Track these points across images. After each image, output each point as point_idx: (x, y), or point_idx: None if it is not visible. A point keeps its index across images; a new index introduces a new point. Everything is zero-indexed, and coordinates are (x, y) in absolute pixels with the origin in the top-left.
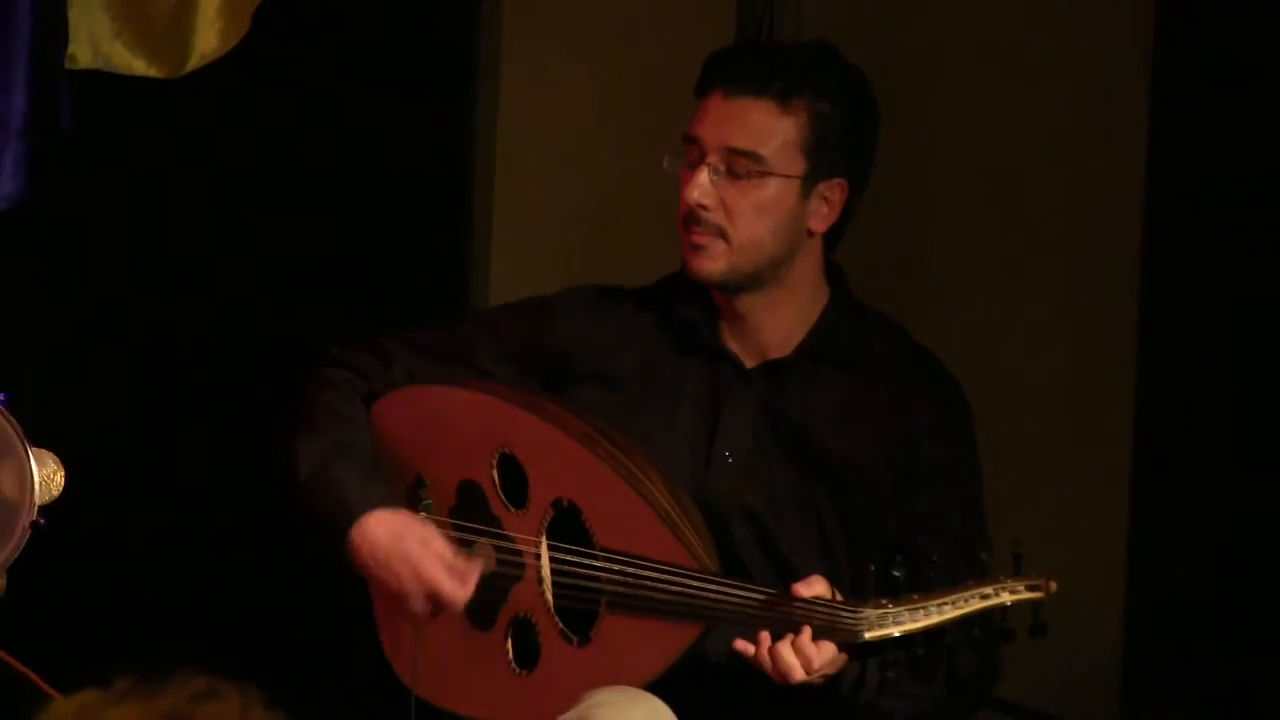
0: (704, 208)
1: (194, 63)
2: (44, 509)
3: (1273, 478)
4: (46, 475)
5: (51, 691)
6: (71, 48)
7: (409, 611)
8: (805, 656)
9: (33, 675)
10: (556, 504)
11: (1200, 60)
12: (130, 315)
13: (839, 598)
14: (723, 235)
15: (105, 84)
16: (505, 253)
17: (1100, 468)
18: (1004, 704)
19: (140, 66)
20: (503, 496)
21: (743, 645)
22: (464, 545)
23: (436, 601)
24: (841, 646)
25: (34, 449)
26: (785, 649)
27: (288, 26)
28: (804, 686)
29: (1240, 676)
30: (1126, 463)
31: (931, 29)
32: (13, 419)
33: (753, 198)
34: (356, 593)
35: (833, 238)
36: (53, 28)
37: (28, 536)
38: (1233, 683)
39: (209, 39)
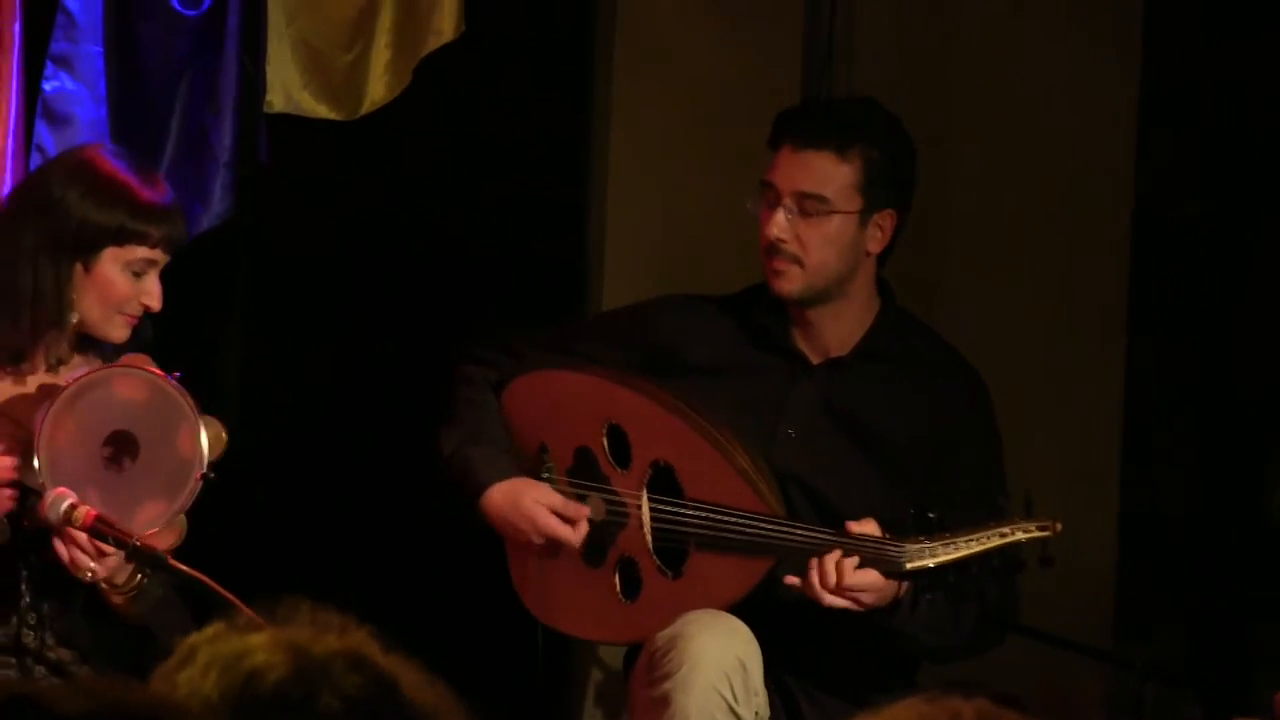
0: (782, 240)
1: (366, 108)
2: (212, 465)
3: (1239, 443)
4: (213, 436)
5: (251, 614)
6: (269, 95)
7: (535, 552)
8: (843, 573)
9: (238, 601)
10: (654, 464)
11: (1180, 102)
12: (312, 311)
13: (887, 536)
14: (798, 262)
15: (294, 125)
16: (616, 272)
17: (1097, 424)
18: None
19: (323, 111)
20: (610, 459)
21: (790, 579)
22: (579, 499)
23: (553, 543)
24: (887, 575)
25: (202, 416)
26: (828, 563)
27: (438, 80)
28: (856, 614)
29: (1218, 599)
30: (1118, 422)
31: (950, 80)
32: (184, 391)
33: (821, 231)
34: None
35: (882, 256)
36: (254, 80)
37: (200, 487)
38: (1214, 605)
39: (378, 89)
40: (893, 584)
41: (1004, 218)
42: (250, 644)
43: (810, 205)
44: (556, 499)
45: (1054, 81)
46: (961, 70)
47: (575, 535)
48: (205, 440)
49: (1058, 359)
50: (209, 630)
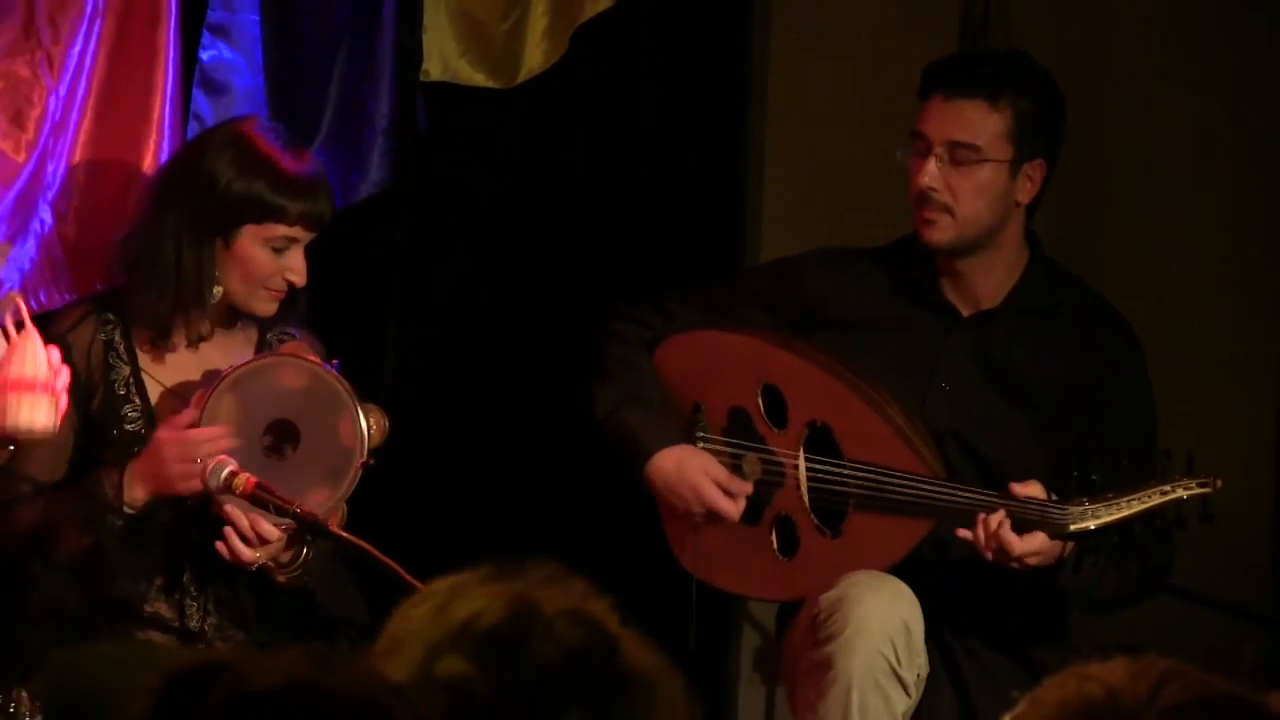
0: (934, 189)
1: (523, 76)
2: (373, 452)
3: None
4: (375, 424)
5: (413, 582)
6: (426, 64)
7: (693, 521)
8: (1011, 546)
9: (399, 569)
10: (811, 424)
11: None
12: (470, 277)
13: (1052, 497)
14: (949, 211)
15: (451, 92)
16: (773, 234)
17: (1256, 382)
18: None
19: (480, 79)
20: (766, 419)
21: (964, 532)
22: (734, 459)
23: (714, 515)
24: (1051, 537)
25: (362, 404)
26: (1004, 531)
27: (595, 46)
28: (1020, 571)
29: None
30: (1277, 380)
31: (1108, 45)
32: (344, 380)
33: (972, 180)
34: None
35: (1031, 207)
36: (411, 48)
37: (360, 475)
38: None
39: (535, 57)
40: (1057, 543)
41: (1162, 178)
42: (482, 591)
43: (962, 154)
44: (721, 471)
45: (1213, 40)
46: (1119, 34)
47: (736, 509)
48: (365, 428)
49: (1218, 317)
50: (450, 579)
